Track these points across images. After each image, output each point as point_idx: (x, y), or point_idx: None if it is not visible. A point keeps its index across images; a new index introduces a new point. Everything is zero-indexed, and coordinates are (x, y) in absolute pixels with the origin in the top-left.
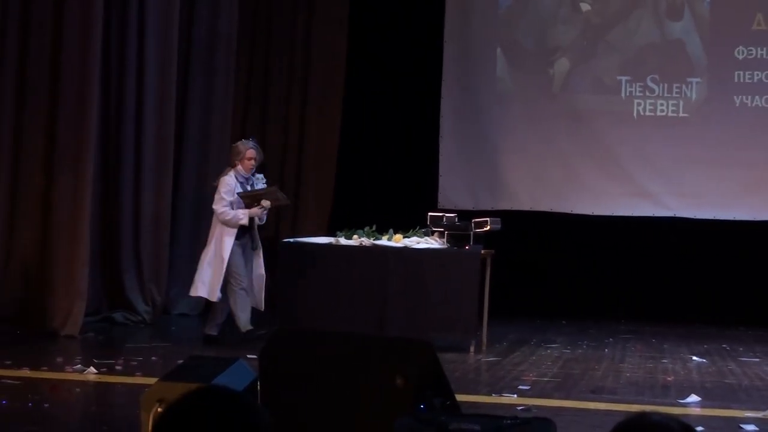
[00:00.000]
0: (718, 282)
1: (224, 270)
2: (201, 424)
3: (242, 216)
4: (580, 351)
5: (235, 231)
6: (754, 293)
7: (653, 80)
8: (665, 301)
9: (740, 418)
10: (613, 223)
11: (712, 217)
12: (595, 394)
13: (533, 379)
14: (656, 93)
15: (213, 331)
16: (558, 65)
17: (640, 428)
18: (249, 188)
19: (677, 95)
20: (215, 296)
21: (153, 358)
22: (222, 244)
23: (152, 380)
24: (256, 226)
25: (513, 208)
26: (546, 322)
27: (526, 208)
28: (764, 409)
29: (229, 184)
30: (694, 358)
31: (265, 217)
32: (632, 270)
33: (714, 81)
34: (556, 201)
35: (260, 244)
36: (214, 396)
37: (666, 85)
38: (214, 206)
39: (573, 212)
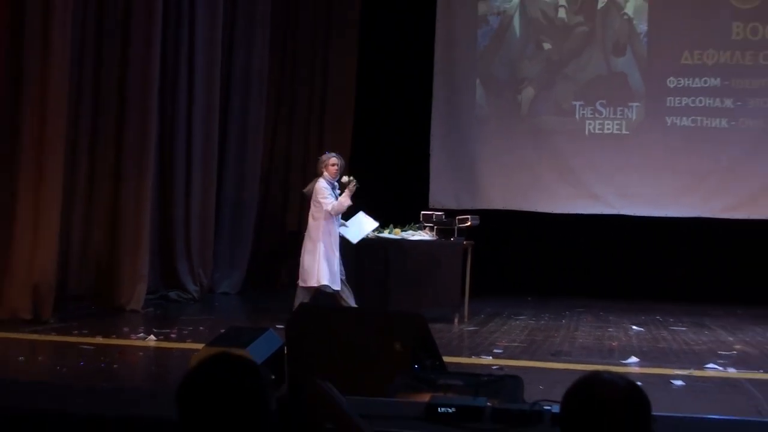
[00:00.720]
0: (654, 266)
1: (339, 261)
2: (214, 384)
3: (345, 200)
4: (542, 322)
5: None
6: (682, 274)
7: (601, 104)
8: (611, 281)
9: (671, 375)
10: (569, 219)
11: (649, 214)
12: (555, 356)
13: (505, 344)
14: (604, 115)
15: None
16: (525, 93)
17: (594, 383)
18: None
19: (620, 116)
20: (338, 286)
21: (201, 328)
22: (332, 237)
23: (200, 345)
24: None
25: (489, 207)
26: (515, 298)
27: (500, 207)
28: (690, 368)
29: (325, 187)
30: (634, 327)
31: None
32: (585, 256)
33: (650, 105)
34: (524, 201)
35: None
36: (226, 362)
37: (612, 109)
38: (325, 207)
39: (537, 210)
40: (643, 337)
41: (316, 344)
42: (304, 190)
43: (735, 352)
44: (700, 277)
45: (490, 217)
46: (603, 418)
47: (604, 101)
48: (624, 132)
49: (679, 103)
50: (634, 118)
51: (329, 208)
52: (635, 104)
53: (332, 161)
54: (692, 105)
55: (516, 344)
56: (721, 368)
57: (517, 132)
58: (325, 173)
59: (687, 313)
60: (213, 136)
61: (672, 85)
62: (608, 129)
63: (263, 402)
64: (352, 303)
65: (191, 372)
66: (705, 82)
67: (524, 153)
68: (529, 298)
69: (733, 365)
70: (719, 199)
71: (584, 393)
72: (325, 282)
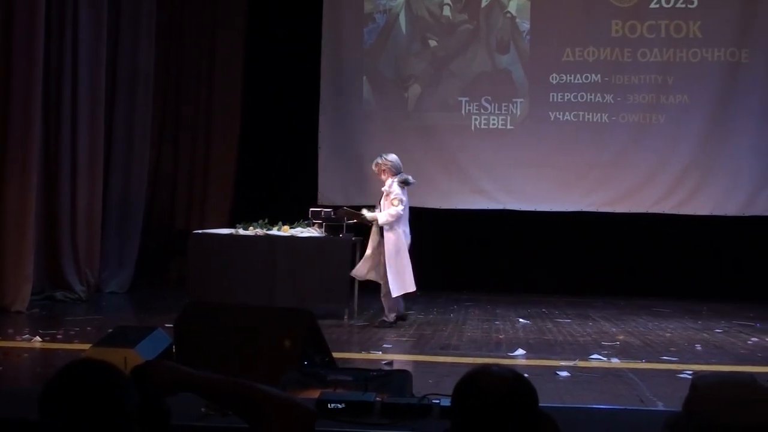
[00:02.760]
0: (539, 259)
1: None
2: (75, 392)
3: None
4: (431, 316)
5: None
6: (565, 267)
7: (486, 100)
8: (498, 275)
9: (556, 366)
10: (455, 214)
11: (534, 209)
12: (443, 350)
13: (394, 339)
14: (489, 110)
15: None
16: (411, 90)
17: (482, 377)
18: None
19: (505, 112)
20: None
21: (88, 328)
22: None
23: (87, 346)
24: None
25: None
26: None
27: None
28: (575, 359)
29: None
30: (520, 320)
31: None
32: (472, 251)
33: (533, 101)
34: (411, 197)
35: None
36: (88, 370)
37: (496, 104)
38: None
39: (424, 206)
40: (529, 329)
41: (204, 342)
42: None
43: (618, 342)
44: (583, 270)
45: None
46: (491, 410)
47: (489, 97)
48: (509, 127)
49: (561, 99)
50: (518, 113)
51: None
52: (519, 100)
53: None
54: (574, 100)
55: (405, 339)
56: (604, 359)
57: (404, 128)
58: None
59: (571, 305)
60: (98, 135)
61: (554, 81)
62: (493, 124)
63: (118, 404)
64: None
65: (50, 381)
66: (586, 78)
67: (411, 149)
68: (418, 293)
69: (617, 355)
70: (601, 193)
71: (473, 386)
72: (412, 289)
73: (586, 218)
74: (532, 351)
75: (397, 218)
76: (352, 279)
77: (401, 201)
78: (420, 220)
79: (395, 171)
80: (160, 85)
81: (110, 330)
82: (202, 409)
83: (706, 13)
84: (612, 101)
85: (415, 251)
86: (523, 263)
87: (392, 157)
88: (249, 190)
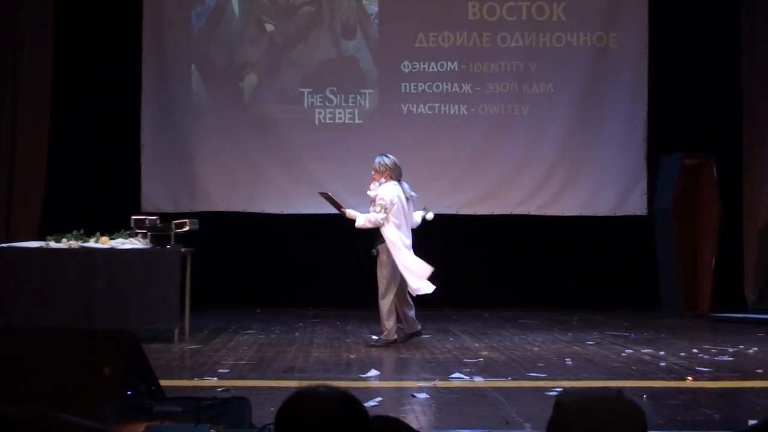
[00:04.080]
0: None
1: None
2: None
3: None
4: (273, 336)
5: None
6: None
7: (332, 92)
8: (347, 287)
9: (414, 387)
10: (299, 220)
11: None
12: (287, 373)
13: (231, 362)
14: (334, 103)
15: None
16: (247, 80)
17: (305, 401)
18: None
19: (353, 104)
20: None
21: None
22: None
23: None
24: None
25: (209, 209)
26: (243, 311)
27: (222, 209)
28: (434, 379)
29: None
30: (374, 336)
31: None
32: (319, 261)
33: (384, 91)
34: (248, 202)
35: (377, 251)
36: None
37: (343, 96)
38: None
39: (264, 212)
40: (383, 347)
41: (9, 371)
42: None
43: (481, 359)
44: (442, 280)
45: (211, 221)
46: None
47: (334, 88)
48: (357, 121)
49: (415, 90)
50: (367, 105)
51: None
52: (368, 91)
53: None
54: (429, 91)
55: (244, 362)
56: (466, 377)
57: (239, 123)
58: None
59: (430, 319)
60: None
61: (407, 70)
62: (340, 118)
63: None
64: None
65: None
66: (442, 66)
67: (248, 147)
68: (258, 310)
69: (480, 373)
70: (459, 193)
71: (294, 411)
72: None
73: (444, 222)
74: (387, 371)
75: (376, 226)
76: (183, 295)
77: (384, 208)
78: (258, 227)
79: (390, 175)
80: None
81: None
82: None
83: None
84: (470, 91)
85: (255, 263)
86: (374, 274)
87: (391, 159)
88: (61, 197)
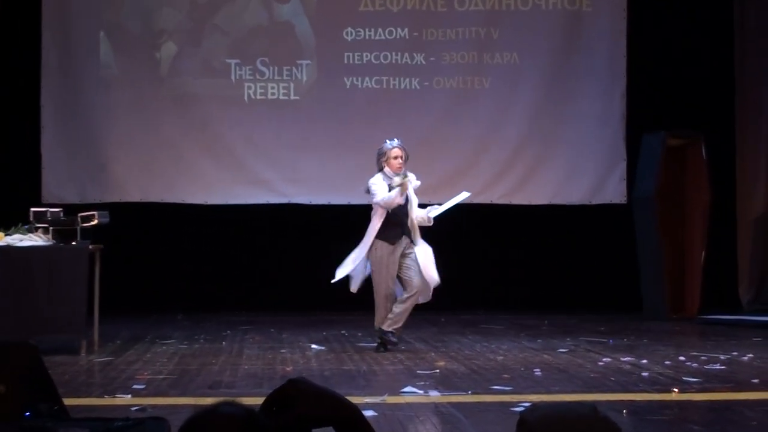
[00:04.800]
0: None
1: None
2: None
3: (397, 196)
4: (197, 346)
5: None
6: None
7: (263, 63)
8: (284, 289)
9: (360, 404)
10: (227, 211)
11: (326, 202)
12: (213, 389)
13: (148, 377)
14: (266, 76)
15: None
16: (165, 49)
17: (205, 421)
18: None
19: (288, 78)
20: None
21: None
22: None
23: None
24: (409, 223)
25: (122, 200)
26: (161, 317)
27: (136, 199)
28: (383, 394)
29: (378, 180)
30: (314, 346)
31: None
32: (248, 259)
33: (324, 63)
34: (168, 191)
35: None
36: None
37: (276, 68)
38: (374, 199)
39: (185, 202)
40: (324, 357)
41: None
42: (366, 190)
43: (437, 370)
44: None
45: (124, 213)
46: None
47: (266, 59)
48: (293, 97)
49: (359, 60)
50: (304, 79)
51: (378, 199)
52: (305, 62)
53: (395, 153)
54: (376, 62)
55: (163, 376)
56: (420, 392)
57: (156, 100)
58: (386, 168)
59: None
60: None
61: (350, 38)
62: (273, 94)
63: None
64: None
65: None
66: (390, 33)
67: (167, 127)
68: (180, 316)
69: (436, 387)
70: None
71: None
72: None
73: None
74: (329, 385)
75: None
76: (91, 299)
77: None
78: (179, 220)
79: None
80: None
81: None
82: None
83: None
84: (423, 62)
85: (176, 262)
86: (315, 272)
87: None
88: None
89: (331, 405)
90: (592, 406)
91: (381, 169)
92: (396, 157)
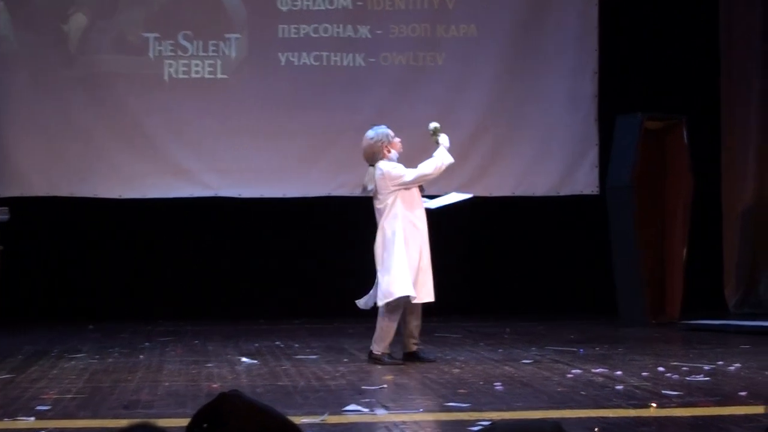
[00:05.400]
0: (270, 269)
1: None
2: None
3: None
4: (110, 360)
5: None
6: (310, 278)
7: (186, 37)
8: (209, 295)
9: (297, 425)
10: (145, 206)
11: (259, 195)
12: (129, 409)
13: (54, 397)
14: (190, 52)
15: None
16: (73, 21)
17: None
18: None
19: (214, 54)
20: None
21: None
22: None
23: None
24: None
25: (24, 194)
26: (70, 328)
27: (41, 193)
28: (323, 413)
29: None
30: (244, 359)
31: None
32: (171, 261)
33: (255, 36)
34: (78, 184)
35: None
36: None
37: (201, 43)
38: (405, 179)
39: (98, 196)
40: (257, 372)
41: None
42: (366, 185)
43: (385, 385)
44: (331, 282)
45: (26, 209)
46: None
47: (189, 32)
48: (220, 76)
49: (296, 34)
50: (233, 55)
51: (438, 164)
52: (234, 36)
53: (391, 132)
54: (315, 35)
55: (71, 396)
56: (366, 410)
57: (63, 80)
58: (393, 152)
59: (317, 334)
60: None
61: (285, 8)
62: (197, 72)
63: None
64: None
65: None
66: (331, 2)
67: (76, 111)
68: (91, 327)
69: (383, 404)
70: (355, 169)
71: None
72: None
73: (335, 207)
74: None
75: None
76: None
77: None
78: (91, 216)
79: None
80: None
81: None
82: None
83: None
84: (369, 36)
85: (87, 265)
86: (248, 276)
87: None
88: None
89: (268, 422)
90: (556, 423)
91: (377, 161)
92: (394, 136)
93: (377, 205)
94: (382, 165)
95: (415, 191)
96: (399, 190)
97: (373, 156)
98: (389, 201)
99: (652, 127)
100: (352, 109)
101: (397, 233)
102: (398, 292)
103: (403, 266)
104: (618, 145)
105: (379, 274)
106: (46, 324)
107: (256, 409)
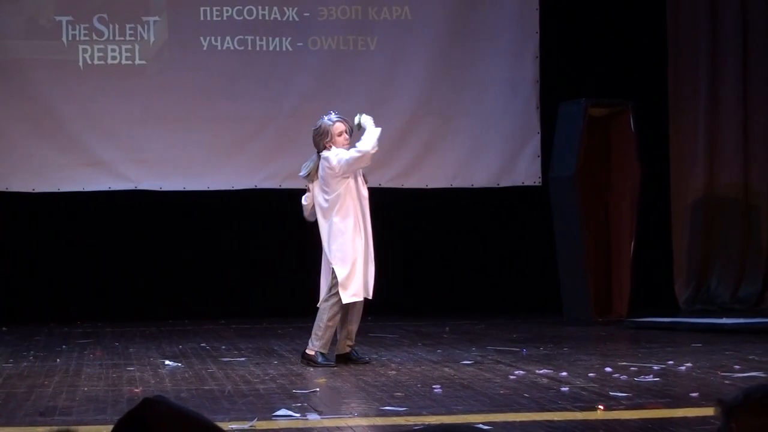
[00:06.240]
0: (194, 268)
1: None
2: None
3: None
4: (25, 364)
5: None
6: (235, 278)
7: (101, 21)
8: (130, 294)
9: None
10: (60, 201)
11: (181, 188)
12: (46, 416)
13: None
14: (106, 36)
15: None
16: None
17: None
18: None
19: (132, 38)
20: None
21: None
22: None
23: None
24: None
25: None
26: None
27: None
28: (251, 418)
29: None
30: (167, 362)
31: None
32: (88, 258)
33: (175, 19)
34: None
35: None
36: None
37: (117, 27)
38: (346, 159)
39: (8, 190)
40: (182, 375)
41: None
42: (303, 176)
43: (317, 389)
44: (259, 281)
45: None
46: None
47: (104, 15)
48: (138, 62)
49: (218, 16)
50: (152, 40)
51: (368, 147)
52: (153, 19)
53: (338, 128)
54: (238, 18)
55: None
56: (297, 415)
57: None
58: (333, 148)
59: (245, 335)
60: None
61: None
62: (114, 58)
63: None
64: None
65: None
66: None
67: None
68: (4, 328)
69: (315, 409)
70: (280, 161)
71: None
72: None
73: (260, 200)
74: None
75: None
76: None
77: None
78: (2, 211)
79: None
80: None
81: None
82: None
83: None
84: (296, 18)
85: (8, 262)
86: (171, 273)
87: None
88: None
89: (195, 429)
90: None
91: (326, 149)
92: (341, 133)
93: (324, 196)
94: (325, 155)
95: (361, 183)
96: (347, 178)
97: (318, 147)
98: (339, 191)
99: (597, 114)
100: (277, 96)
101: (348, 226)
102: (359, 294)
103: (359, 263)
104: (561, 133)
105: (336, 268)
106: None
107: (183, 415)
